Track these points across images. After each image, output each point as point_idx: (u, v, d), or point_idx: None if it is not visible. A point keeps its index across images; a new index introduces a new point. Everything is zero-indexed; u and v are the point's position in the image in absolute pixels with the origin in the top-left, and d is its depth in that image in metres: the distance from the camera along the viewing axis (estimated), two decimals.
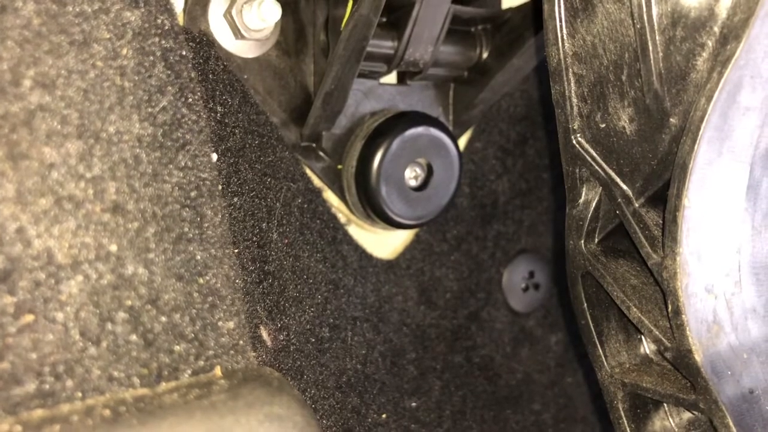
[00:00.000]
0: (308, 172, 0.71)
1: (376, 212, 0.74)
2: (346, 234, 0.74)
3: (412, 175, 0.75)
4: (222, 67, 0.59)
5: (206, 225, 0.35)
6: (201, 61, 0.54)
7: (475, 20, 0.75)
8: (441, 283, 0.81)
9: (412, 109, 0.76)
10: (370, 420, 0.65)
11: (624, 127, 0.44)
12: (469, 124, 0.81)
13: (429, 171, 0.75)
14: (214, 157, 0.40)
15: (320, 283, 0.64)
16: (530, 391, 0.88)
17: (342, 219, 0.75)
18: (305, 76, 0.71)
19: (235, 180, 0.51)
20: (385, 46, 0.70)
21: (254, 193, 0.56)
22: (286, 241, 0.60)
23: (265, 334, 0.48)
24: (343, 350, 0.65)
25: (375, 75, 0.74)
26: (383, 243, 0.79)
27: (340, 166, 0.74)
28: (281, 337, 0.52)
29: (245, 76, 0.66)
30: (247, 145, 0.58)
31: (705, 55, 0.40)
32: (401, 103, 0.76)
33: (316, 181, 0.73)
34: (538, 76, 0.82)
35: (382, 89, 0.75)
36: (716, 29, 0.40)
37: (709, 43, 0.40)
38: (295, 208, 0.64)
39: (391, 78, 0.77)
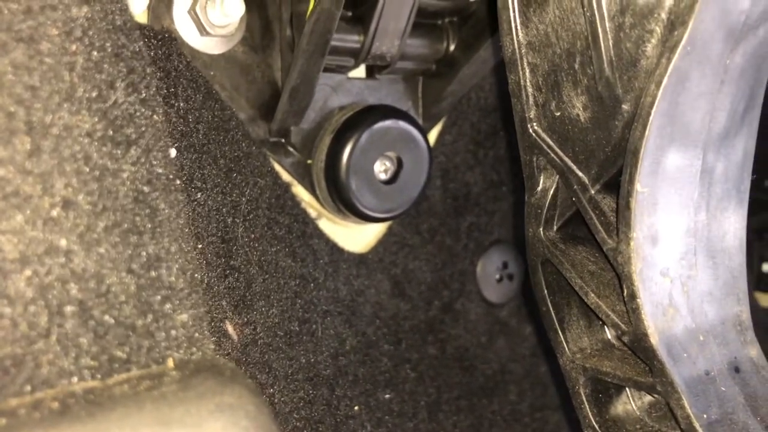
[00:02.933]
0: (277, 167, 0.72)
1: (346, 206, 0.74)
2: (316, 228, 0.74)
3: (382, 169, 0.75)
4: (185, 63, 0.59)
5: (160, 219, 0.35)
6: (163, 57, 0.54)
7: (441, 13, 0.76)
8: (414, 275, 0.82)
9: (380, 103, 0.76)
10: (341, 412, 0.65)
11: (578, 115, 0.45)
12: (438, 116, 0.81)
13: (399, 164, 0.75)
14: (173, 152, 0.40)
15: (289, 278, 0.64)
16: (505, 381, 0.88)
17: (313, 213, 0.75)
18: (272, 72, 0.72)
19: (199, 176, 0.52)
20: (351, 40, 0.70)
21: (218, 188, 0.56)
22: (253, 236, 0.60)
23: (230, 329, 0.48)
24: (313, 344, 0.65)
25: (343, 69, 0.74)
26: (355, 237, 0.79)
27: (309, 161, 0.75)
28: (247, 332, 0.52)
29: (212, 73, 0.66)
30: (211, 141, 0.58)
31: (654, 41, 0.41)
32: (370, 97, 0.76)
33: (286, 176, 0.73)
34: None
35: (350, 83, 0.75)
36: (664, 16, 0.40)
37: (658, 30, 0.41)
38: (262, 203, 0.64)
39: (360, 72, 0.77)
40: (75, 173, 0.32)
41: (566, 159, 0.46)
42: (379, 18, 0.69)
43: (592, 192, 0.45)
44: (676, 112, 0.42)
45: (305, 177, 0.74)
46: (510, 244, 0.90)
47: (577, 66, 0.44)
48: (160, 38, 0.57)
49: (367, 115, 0.74)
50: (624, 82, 0.42)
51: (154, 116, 0.38)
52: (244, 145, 0.64)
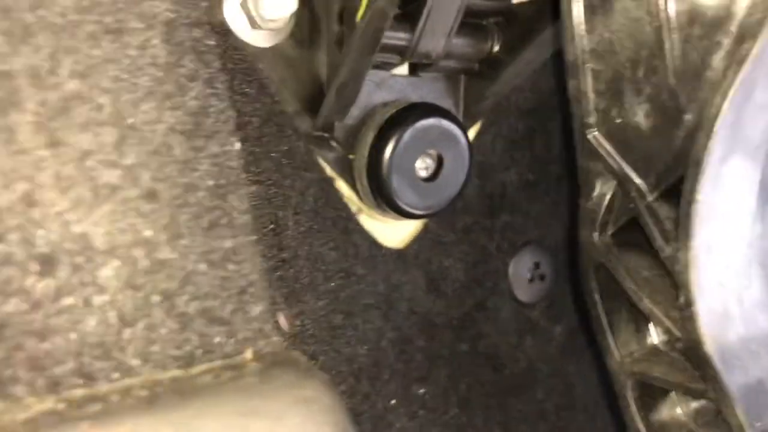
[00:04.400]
0: (321, 162, 0.72)
1: (386, 202, 0.74)
2: (357, 223, 0.75)
3: (423, 166, 0.76)
4: (240, 56, 0.60)
5: (234, 213, 0.35)
6: (221, 51, 0.54)
7: (487, 13, 0.76)
8: (449, 272, 0.82)
9: (423, 101, 0.76)
10: (380, 405, 0.66)
11: (639, 123, 0.45)
12: (479, 116, 0.81)
13: (439, 162, 0.75)
14: (238, 146, 0.41)
15: (333, 271, 0.65)
16: (534, 379, 0.89)
17: (353, 208, 0.76)
18: (318, 67, 0.72)
19: (254, 169, 0.52)
20: (398, 37, 0.71)
21: (271, 181, 0.57)
22: (302, 229, 0.61)
23: (282, 320, 0.49)
24: (355, 337, 0.66)
25: (387, 66, 0.74)
26: (393, 233, 0.80)
27: (351, 156, 0.75)
28: (297, 323, 0.53)
29: (260, 66, 0.67)
30: (265, 134, 0.59)
31: (721, 53, 0.41)
32: (413, 94, 0.77)
33: (329, 171, 0.74)
34: (547, 69, 0.83)
35: (393, 80, 0.76)
36: (733, 29, 0.41)
37: (726, 42, 0.41)
38: (309, 196, 0.65)
39: (403, 69, 0.77)
40: (159, 166, 0.33)
41: (625, 166, 0.46)
42: (428, 17, 0.70)
43: (650, 199, 0.46)
44: (739, 123, 0.42)
45: (347, 172, 0.75)
46: (543, 244, 0.91)
47: (640, 74, 0.44)
48: (218, 31, 0.58)
49: (410, 112, 0.74)
50: (688, 92, 0.43)
51: (226, 111, 0.38)
52: (293, 138, 0.65)
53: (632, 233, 0.49)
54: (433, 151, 0.76)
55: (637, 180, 0.46)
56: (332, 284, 0.66)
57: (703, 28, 0.42)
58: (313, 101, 0.72)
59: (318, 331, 0.59)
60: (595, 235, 0.48)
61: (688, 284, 0.43)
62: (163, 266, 0.32)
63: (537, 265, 0.89)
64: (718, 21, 0.41)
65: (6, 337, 0.29)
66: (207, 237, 0.34)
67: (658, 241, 0.45)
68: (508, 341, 0.87)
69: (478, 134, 0.84)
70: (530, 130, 0.85)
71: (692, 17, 0.42)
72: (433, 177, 0.76)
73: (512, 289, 0.89)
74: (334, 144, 0.74)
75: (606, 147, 0.47)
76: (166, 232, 0.32)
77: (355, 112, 0.75)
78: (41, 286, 0.30)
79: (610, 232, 0.49)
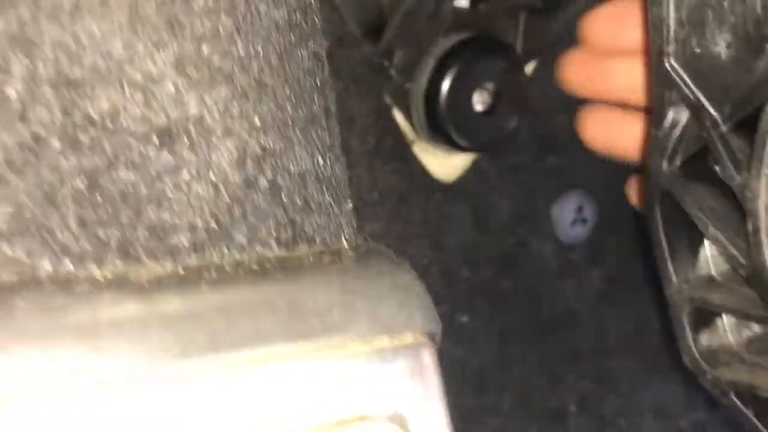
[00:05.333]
0: (382, 89, 0.73)
1: (441, 134, 0.75)
2: (411, 153, 0.76)
3: (480, 100, 0.76)
4: None
5: (331, 112, 0.37)
6: None
7: None
8: (494, 209, 0.84)
9: (483, 34, 0.77)
10: None
11: (719, 53, 0.46)
12: (536, 54, 0.82)
13: (496, 97, 0.76)
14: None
15: (390, 196, 0.67)
16: (570, 320, 0.91)
17: (408, 138, 0.77)
18: None
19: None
20: None
21: (340, 99, 0.59)
22: (364, 150, 0.63)
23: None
24: (407, 262, 0.68)
25: None
26: (444, 166, 0.81)
27: (409, 86, 0.76)
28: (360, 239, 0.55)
29: None
30: (335, 54, 0.60)
31: None
32: (473, 26, 0.77)
33: (387, 99, 0.75)
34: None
35: (455, 12, 0.76)
36: None
37: None
38: (371, 121, 0.67)
39: (464, 2, 0.78)
40: (267, 58, 0.34)
41: (700, 95, 0.47)
42: None
43: (724, 129, 0.46)
44: None
45: (403, 101, 0.76)
46: (587, 189, 0.92)
47: (725, 3, 0.45)
48: None
49: (470, 45, 0.74)
50: None
51: (319, 14, 0.39)
52: (358, 63, 0.66)
53: (701, 164, 0.50)
54: (490, 86, 0.77)
55: (712, 110, 0.47)
56: (389, 208, 0.68)
57: None
58: (375, 28, 0.73)
59: None
60: (664, 163, 0.49)
61: (757, 212, 0.44)
62: (270, 152, 0.33)
63: (580, 209, 0.90)
64: None
65: (129, 203, 0.31)
66: (308, 130, 0.35)
67: (729, 170, 0.46)
68: (547, 281, 0.88)
69: (535, 72, 0.84)
70: None
71: None
72: (489, 112, 0.77)
73: (554, 231, 0.91)
74: (392, 72, 0.75)
75: (682, 76, 0.47)
76: (273, 120, 0.34)
77: (415, 42, 0.75)
78: (161, 160, 0.31)
79: (679, 161, 0.50)
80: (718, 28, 0.45)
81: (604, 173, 0.91)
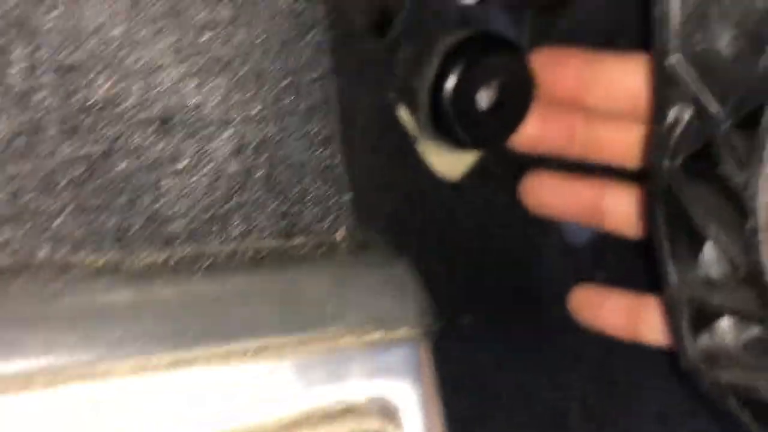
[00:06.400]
0: (387, 85, 0.73)
1: (446, 132, 0.75)
2: (416, 150, 0.76)
3: (485, 97, 0.76)
4: None
5: (330, 103, 0.37)
6: None
7: None
8: (500, 208, 0.84)
9: (489, 31, 0.77)
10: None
11: (722, 49, 0.46)
12: None
13: (502, 95, 0.76)
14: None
15: (394, 192, 0.67)
16: (573, 325, 0.90)
17: (411, 136, 0.77)
18: None
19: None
20: None
21: (343, 94, 0.58)
22: (367, 147, 0.63)
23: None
24: (409, 260, 0.68)
25: None
26: (449, 163, 0.81)
27: (414, 83, 0.76)
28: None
29: None
30: (338, 48, 0.60)
31: None
32: (479, 23, 0.77)
33: (391, 96, 0.75)
34: (614, 9, 0.83)
35: (461, 8, 0.76)
36: None
37: None
38: (375, 117, 0.67)
39: None
40: (266, 48, 0.34)
41: (703, 92, 0.47)
42: None
43: (726, 127, 0.46)
44: None
45: (408, 98, 0.76)
46: None
47: (728, 0, 0.45)
48: None
49: (476, 42, 0.74)
50: None
51: (319, 10, 0.40)
52: (361, 58, 0.66)
53: (702, 161, 0.50)
54: (496, 83, 0.76)
55: (715, 107, 0.46)
56: (391, 206, 0.68)
57: None
58: (381, 25, 0.73)
59: None
60: (666, 160, 0.49)
61: (757, 210, 0.44)
62: (267, 143, 0.34)
63: None
64: None
65: (125, 191, 0.31)
66: (306, 120, 0.35)
67: (731, 167, 0.45)
68: (552, 284, 0.88)
69: None
70: None
71: None
72: (494, 110, 0.77)
73: (561, 231, 0.90)
74: (397, 69, 0.75)
75: (685, 73, 0.47)
76: (271, 111, 0.34)
77: (420, 39, 0.75)
78: (158, 148, 0.31)
79: (680, 158, 0.49)
80: (721, 24, 0.45)
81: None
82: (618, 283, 0.94)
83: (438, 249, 0.77)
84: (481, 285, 0.81)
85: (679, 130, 0.49)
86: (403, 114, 0.78)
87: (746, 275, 0.46)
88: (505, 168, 0.84)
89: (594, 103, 0.72)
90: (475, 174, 0.82)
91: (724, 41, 0.45)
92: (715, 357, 0.51)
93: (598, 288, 0.80)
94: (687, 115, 0.48)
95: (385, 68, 0.73)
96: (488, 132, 0.76)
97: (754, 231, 0.44)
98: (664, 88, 0.49)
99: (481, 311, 0.80)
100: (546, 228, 0.87)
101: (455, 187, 0.80)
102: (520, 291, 0.85)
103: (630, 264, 0.91)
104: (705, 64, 0.46)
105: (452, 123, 0.75)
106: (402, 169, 0.71)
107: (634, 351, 0.93)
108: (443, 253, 0.78)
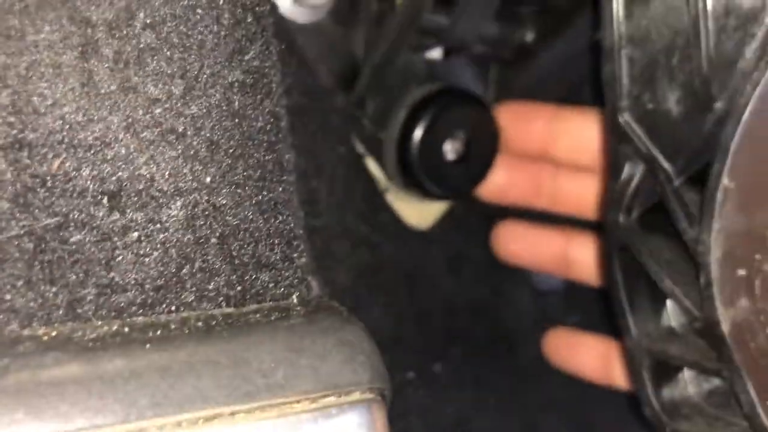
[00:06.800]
0: (353, 138, 0.75)
1: (413, 182, 0.76)
2: (384, 201, 0.77)
3: (451, 149, 0.78)
4: (283, 30, 0.62)
5: (285, 169, 0.38)
6: (273, 20, 0.57)
7: (523, 2, 0.78)
8: (470, 256, 0.84)
9: (455, 85, 0.78)
10: (398, 377, 0.69)
11: (671, 109, 0.47)
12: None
13: (468, 146, 0.77)
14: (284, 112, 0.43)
15: (361, 245, 0.67)
16: (548, 367, 0.91)
17: (381, 186, 0.78)
18: (356, 45, 0.74)
19: (291, 138, 0.55)
20: (435, 21, 0.73)
21: (307, 151, 0.59)
22: (333, 200, 0.64)
23: (314, 284, 0.51)
24: (377, 310, 0.68)
25: (422, 49, 0.76)
26: (418, 213, 0.82)
27: (382, 135, 0.77)
28: (325, 290, 0.55)
29: (299, 41, 0.69)
30: (303, 106, 0.61)
31: (754, 45, 0.43)
32: (445, 78, 0.79)
33: (359, 148, 0.76)
34: (580, 60, 0.84)
35: (427, 63, 0.78)
36: (767, 20, 0.42)
37: (760, 34, 0.43)
38: (341, 170, 0.67)
39: (437, 53, 0.79)
40: (220, 118, 0.35)
41: (654, 150, 0.48)
42: (466, 2, 0.72)
43: (677, 183, 0.47)
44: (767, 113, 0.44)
45: (376, 150, 0.77)
46: None
47: (675, 62, 0.46)
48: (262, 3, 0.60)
49: (441, 95, 0.76)
50: (720, 80, 0.45)
51: (278, 75, 0.40)
52: (328, 113, 0.67)
53: (657, 217, 0.51)
54: (461, 135, 0.78)
55: (666, 164, 0.48)
56: (359, 257, 0.68)
57: (738, 20, 0.43)
58: (348, 79, 0.74)
59: (343, 301, 0.62)
60: (621, 216, 0.50)
61: (709, 266, 0.45)
62: (220, 211, 0.34)
63: None
64: (754, 13, 0.43)
65: (77, 263, 0.31)
66: (261, 188, 0.36)
67: (683, 223, 0.46)
68: (522, 328, 0.89)
69: None
70: None
71: (728, 8, 0.43)
72: (460, 160, 0.78)
73: (530, 277, 0.91)
74: (365, 122, 0.76)
75: (636, 131, 0.48)
76: (224, 180, 0.34)
77: (387, 93, 0.77)
78: (110, 220, 0.32)
79: (635, 214, 0.51)
80: (668, 85, 0.47)
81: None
82: (591, 328, 0.95)
83: (409, 299, 0.78)
84: (452, 332, 0.82)
85: (633, 186, 0.50)
86: (372, 166, 0.79)
87: (701, 328, 0.47)
88: (475, 217, 0.85)
89: (560, 156, 0.74)
90: (444, 223, 0.83)
91: (671, 101, 0.47)
92: (677, 407, 0.52)
93: (572, 332, 0.81)
94: (640, 171, 0.50)
95: (351, 122, 0.74)
96: (455, 182, 0.77)
97: (708, 285, 0.45)
98: (617, 146, 0.50)
99: (453, 358, 0.81)
100: (516, 274, 0.88)
101: (425, 237, 0.81)
102: (492, 337, 0.85)
103: (603, 308, 0.92)
104: (654, 123, 0.48)
105: (420, 174, 0.76)
106: (371, 221, 0.72)
107: (607, 395, 0.94)
108: (414, 302, 0.78)
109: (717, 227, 0.44)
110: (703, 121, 0.46)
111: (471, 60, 0.80)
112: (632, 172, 0.50)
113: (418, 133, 0.75)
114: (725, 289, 0.45)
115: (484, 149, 0.76)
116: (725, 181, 0.44)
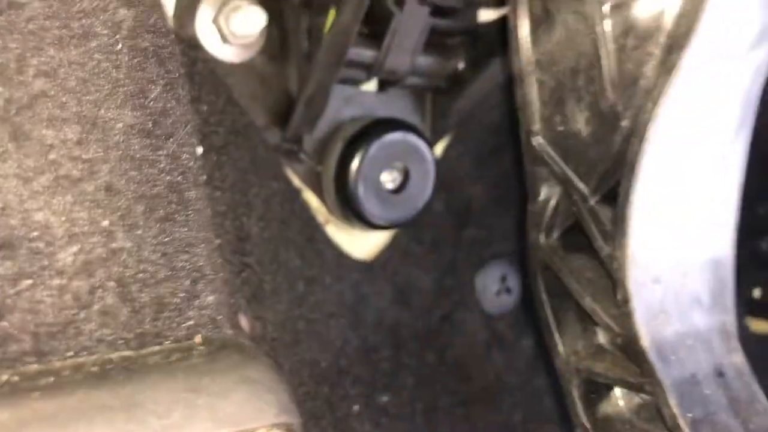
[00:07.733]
0: (289, 173, 0.75)
1: (353, 213, 0.77)
2: (324, 233, 0.77)
3: (389, 179, 0.78)
4: (209, 69, 0.63)
5: (190, 208, 0.38)
6: (189, 62, 0.57)
7: (452, 33, 0.79)
8: (416, 284, 0.84)
9: (390, 116, 0.79)
10: (341, 411, 0.68)
11: (580, 130, 0.48)
12: (445, 131, 0.84)
13: (405, 175, 0.78)
14: (200, 150, 0.43)
15: (298, 279, 0.67)
16: (501, 391, 0.90)
17: (321, 219, 0.78)
18: (288, 81, 0.75)
19: (218, 176, 0.55)
20: (365, 55, 0.74)
21: (236, 188, 0.59)
22: (266, 236, 0.63)
23: (243, 322, 0.51)
24: (318, 343, 0.68)
25: (355, 82, 0.77)
26: (360, 244, 0.82)
27: (320, 168, 0.78)
28: (258, 326, 0.55)
29: (231, 81, 0.69)
30: (230, 144, 0.61)
31: (653, 63, 0.44)
32: (380, 109, 0.79)
33: (297, 182, 0.76)
34: (513, 85, 0.86)
35: (362, 96, 0.79)
36: (662, 39, 0.43)
37: (657, 52, 0.44)
38: (275, 205, 0.67)
39: (371, 86, 0.80)
40: (118, 161, 0.35)
41: (568, 171, 0.49)
42: (393, 35, 0.73)
43: (592, 202, 0.48)
44: (670, 129, 0.45)
45: (315, 184, 0.77)
46: (510, 258, 0.93)
47: (580, 83, 0.47)
48: (187, 44, 0.61)
49: (377, 127, 0.77)
50: (624, 99, 0.46)
51: (186, 114, 0.41)
52: (259, 149, 0.67)
53: (576, 236, 0.52)
54: (399, 165, 0.78)
55: (579, 184, 0.48)
56: (296, 291, 0.68)
57: (636, 40, 0.44)
58: (283, 115, 0.74)
59: (279, 335, 0.61)
60: (542, 237, 0.51)
61: (625, 281, 0.45)
62: (118, 254, 0.34)
63: (504, 278, 0.91)
64: (650, 32, 0.44)
65: None
66: (161, 229, 0.36)
67: (598, 241, 0.47)
68: (475, 353, 0.88)
69: (446, 149, 0.86)
70: (497, 146, 0.88)
71: (626, 29, 0.44)
72: (399, 190, 0.78)
73: (479, 302, 0.91)
74: (303, 156, 0.76)
75: (550, 153, 0.49)
76: (122, 223, 0.34)
77: (323, 126, 0.77)
78: (1, 269, 0.32)
79: (555, 234, 0.51)
80: (576, 106, 0.48)
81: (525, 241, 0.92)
82: (545, 350, 0.95)
83: (353, 331, 0.77)
84: (401, 362, 0.81)
85: (551, 207, 0.51)
86: (310, 199, 0.79)
87: (623, 344, 0.47)
88: (420, 245, 0.85)
89: None
90: (388, 253, 0.83)
91: (580, 122, 0.47)
92: (611, 424, 0.52)
93: None
94: (557, 193, 0.50)
95: (287, 157, 0.74)
96: (395, 212, 0.78)
97: (626, 301, 0.46)
98: (533, 168, 0.51)
99: (402, 389, 0.80)
100: (465, 299, 0.88)
101: (369, 268, 0.81)
102: (442, 363, 0.85)
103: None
104: (566, 145, 0.48)
105: (358, 205, 0.76)
106: (308, 255, 0.72)
107: (563, 416, 0.94)
108: (359, 334, 0.78)
109: (629, 243, 0.45)
110: (611, 140, 0.46)
111: (406, 91, 0.81)
112: (549, 193, 0.50)
113: (355, 164, 0.75)
114: (643, 304, 0.46)
115: (422, 178, 0.77)
116: (634, 197, 0.45)
